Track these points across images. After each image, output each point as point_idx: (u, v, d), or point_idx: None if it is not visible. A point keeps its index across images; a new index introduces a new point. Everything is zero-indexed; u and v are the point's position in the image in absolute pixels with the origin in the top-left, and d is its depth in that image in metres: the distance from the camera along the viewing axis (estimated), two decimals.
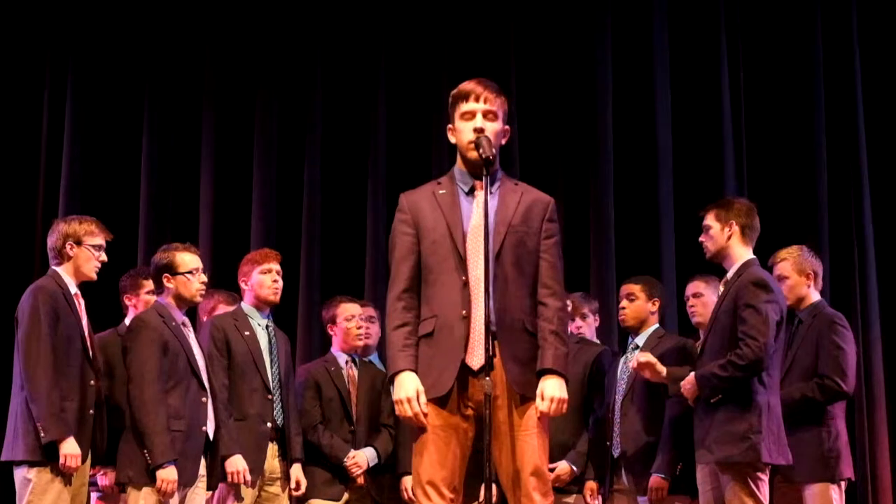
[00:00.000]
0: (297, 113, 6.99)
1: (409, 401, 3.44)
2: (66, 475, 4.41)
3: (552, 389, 3.48)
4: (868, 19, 7.05)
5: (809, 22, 6.96)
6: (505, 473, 3.50)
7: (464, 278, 3.49)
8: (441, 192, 3.62)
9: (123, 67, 7.05)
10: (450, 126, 3.66)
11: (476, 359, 3.47)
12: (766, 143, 6.97)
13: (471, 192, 3.61)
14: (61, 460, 4.37)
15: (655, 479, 4.84)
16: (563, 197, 6.89)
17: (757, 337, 4.23)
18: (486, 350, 3.38)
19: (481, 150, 3.50)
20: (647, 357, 4.68)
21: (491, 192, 3.56)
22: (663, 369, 4.64)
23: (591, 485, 5.15)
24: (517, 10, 7.02)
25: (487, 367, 3.37)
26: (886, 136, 6.99)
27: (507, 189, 3.64)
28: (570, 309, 5.41)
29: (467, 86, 3.61)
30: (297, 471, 5.11)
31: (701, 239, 4.57)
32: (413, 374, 3.48)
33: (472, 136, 3.55)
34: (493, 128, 3.57)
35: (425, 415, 3.46)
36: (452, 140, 3.66)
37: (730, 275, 4.47)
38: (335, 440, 5.26)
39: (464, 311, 3.47)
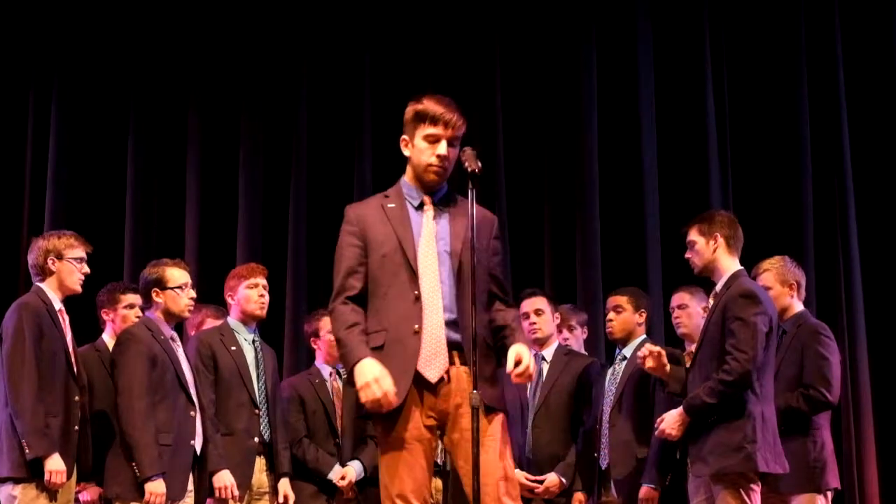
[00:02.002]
0: (282, 125, 6.99)
1: (375, 381, 3.36)
2: (51, 491, 4.40)
3: (528, 356, 3.45)
4: (851, 32, 7.08)
5: (794, 35, 6.99)
6: (470, 480, 3.45)
7: (416, 292, 3.46)
8: (390, 205, 3.60)
9: (108, 80, 7.05)
10: (405, 138, 3.61)
11: (433, 371, 3.46)
12: (750, 154, 6.99)
13: (420, 208, 3.60)
14: (46, 476, 4.35)
15: (646, 490, 4.83)
16: (550, 210, 6.91)
17: (745, 350, 4.22)
18: (472, 362, 3.36)
19: (466, 164, 3.48)
20: (657, 347, 4.61)
21: (440, 208, 3.58)
22: (668, 365, 4.58)
23: (579, 496, 5.14)
24: (503, 26, 7.03)
25: (475, 378, 3.35)
26: (871, 146, 7.02)
27: (458, 205, 3.62)
28: (558, 321, 5.42)
29: (436, 108, 3.53)
30: (284, 485, 5.10)
31: (687, 255, 4.56)
32: (374, 360, 3.41)
33: (433, 161, 3.53)
34: (454, 154, 3.56)
35: (395, 394, 3.39)
36: (406, 153, 3.62)
37: (719, 287, 4.46)
38: (320, 454, 5.26)
39: (416, 326, 3.44)
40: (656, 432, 4.49)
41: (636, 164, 6.84)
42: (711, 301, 4.51)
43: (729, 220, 4.55)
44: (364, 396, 3.39)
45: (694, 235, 4.51)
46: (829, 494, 4.73)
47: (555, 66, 7.00)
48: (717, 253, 4.46)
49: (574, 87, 6.93)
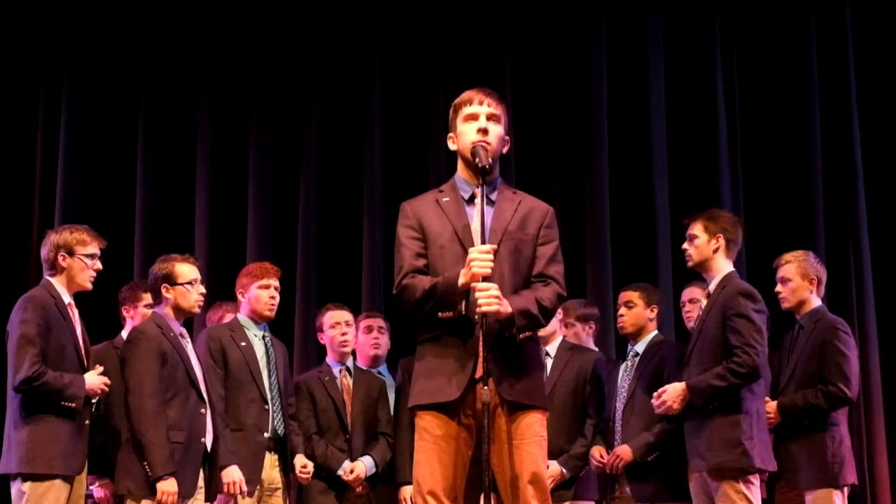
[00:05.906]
0: (292, 123, 6.98)
1: (479, 252, 3.36)
2: (61, 487, 4.35)
3: (499, 300, 3.38)
4: (862, 27, 7.04)
5: (804, 30, 6.96)
6: (503, 481, 3.48)
7: (473, 284, 3.43)
8: (445, 199, 3.62)
9: (118, 78, 7.05)
10: (450, 134, 3.66)
11: (478, 367, 3.44)
12: (760, 150, 6.97)
13: (471, 200, 3.60)
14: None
15: (622, 448, 4.84)
16: (559, 205, 6.87)
17: (753, 345, 4.29)
18: (485, 358, 3.36)
19: (478, 160, 3.50)
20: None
21: (489, 200, 3.56)
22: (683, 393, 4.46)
23: (598, 448, 5.06)
24: (512, 21, 7.01)
25: (486, 375, 3.35)
26: (882, 140, 6.99)
27: (505, 197, 3.64)
28: (561, 317, 5.38)
29: (470, 92, 3.64)
30: (300, 459, 5.11)
31: (685, 247, 4.62)
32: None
33: (475, 137, 3.55)
34: (496, 130, 3.59)
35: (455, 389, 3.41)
36: (453, 147, 3.66)
37: (712, 287, 4.53)
38: (329, 451, 5.24)
39: (476, 317, 3.42)
40: (656, 403, 4.46)
41: (646, 159, 6.82)
42: (704, 301, 4.56)
43: (734, 222, 4.62)
44: (478, 268, 3.35)
45: (698, 230, 4.57)
46: (846, 490, 4.73)
47: (564, 61, 6.98)
48: (717, 253, 4.52)
49: (584, 81, 6.91)
